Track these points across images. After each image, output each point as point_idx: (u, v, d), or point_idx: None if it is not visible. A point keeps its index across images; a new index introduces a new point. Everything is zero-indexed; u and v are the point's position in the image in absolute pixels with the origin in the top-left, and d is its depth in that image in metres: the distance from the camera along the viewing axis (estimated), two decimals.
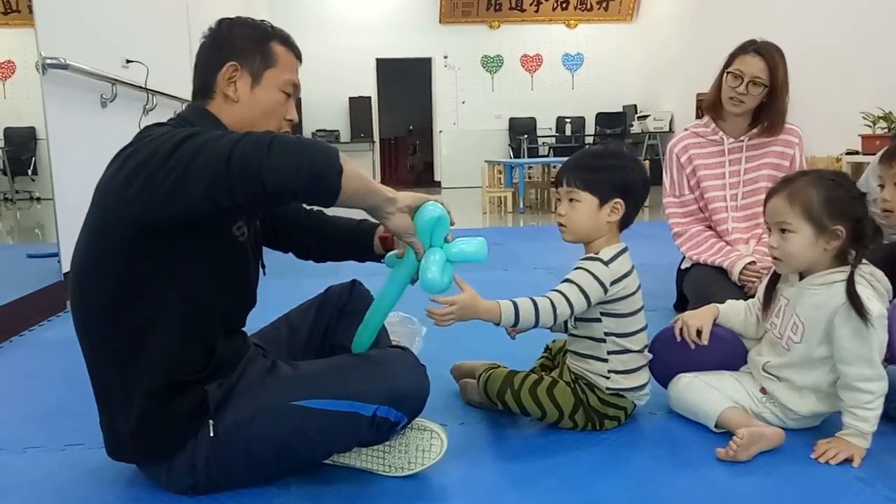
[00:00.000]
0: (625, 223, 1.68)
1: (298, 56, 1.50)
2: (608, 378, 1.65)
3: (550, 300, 1.58)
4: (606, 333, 1.64)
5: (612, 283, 1.60)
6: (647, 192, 1.70)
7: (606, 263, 1.61)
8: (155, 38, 4.77)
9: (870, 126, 5.29)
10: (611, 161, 1.66)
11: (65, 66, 3.20)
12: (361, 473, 1.48)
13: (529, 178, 8.73)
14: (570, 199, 1.66)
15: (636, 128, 10.66)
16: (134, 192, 1.19)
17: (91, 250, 1.30)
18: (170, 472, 1.37)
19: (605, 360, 1.65)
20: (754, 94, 2.41)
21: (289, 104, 1.48)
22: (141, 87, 4.14)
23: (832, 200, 1.52)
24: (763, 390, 1.66)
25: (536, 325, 1.59)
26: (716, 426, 1.63)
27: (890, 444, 1.57)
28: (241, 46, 1.43)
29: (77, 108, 3.55)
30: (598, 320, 1.64)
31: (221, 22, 1.46)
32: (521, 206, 7.54)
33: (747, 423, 1.57)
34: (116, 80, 3.81)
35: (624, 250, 1.66)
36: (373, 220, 1.43)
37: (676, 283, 2.75)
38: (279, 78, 1.45)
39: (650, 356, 1.72)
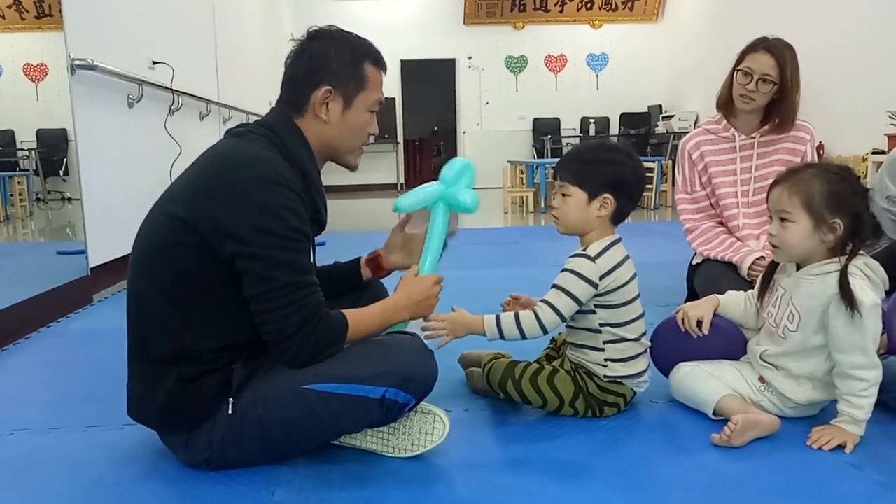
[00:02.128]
0: (618, 217, 1.70)
1: (385, 69, 1.60)
2: (605, 366, 1.69)
3: (535, 312, 1.64)
4: (601, 324, 1.68)
5: (602, 276, 1.63)
6: (642, 186, 1.72)
7: (594, 259, 1.64)
8: (181, 39, 4.90)
9: None
10: (603, 155, 1.68)
11: (92, 67, 3.31)
12: (367, 454, 1.54)
13: (551, 178, 8.71)
14: (563, 194, 1.70)
15: (661, 128, 10.61)
16: (233, 259, 1.36)
17: (166, 239, 1.40)
18: (188, 445, 1.44)
19: (602, 350, 1.69)
20: (764, 91, 2.42)
21: (372, 119, 1.59)
22: (166, 88, 4.26)
23: (833, 194, 1.55)
24: (761, 379, 1.69)
25: (524, 336, 1.65)
26: (714, 413, 1.67)
27: (884, 431, 1.59)
28: (336, 70, 1.51)
29: (104, 108, 3.66)
30: (593, 312, 1.68)
31: (316, 37, 1.54)
32: (543, 205, 7.55)
33: (744, 411, 1.60)
34: (143, 80, 3.93)
35: (615, 242, 1.69)
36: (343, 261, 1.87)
37: (687, 280, 2.77)
38: (369, 99, 1.56)
39: (648, 344, 1.75)
